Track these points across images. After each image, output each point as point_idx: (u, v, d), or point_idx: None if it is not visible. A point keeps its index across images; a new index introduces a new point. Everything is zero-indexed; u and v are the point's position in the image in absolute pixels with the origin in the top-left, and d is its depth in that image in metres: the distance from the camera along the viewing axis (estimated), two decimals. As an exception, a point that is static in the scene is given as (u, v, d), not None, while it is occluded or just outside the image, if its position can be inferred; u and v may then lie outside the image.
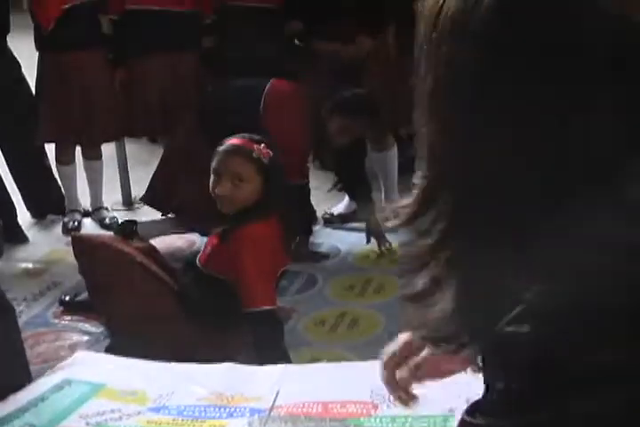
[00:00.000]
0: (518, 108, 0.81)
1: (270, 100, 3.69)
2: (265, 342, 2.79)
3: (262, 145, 2.86)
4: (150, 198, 4.22)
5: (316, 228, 4.23)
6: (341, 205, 4.42)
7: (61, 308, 3.56)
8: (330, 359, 3.04)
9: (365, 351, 2.97)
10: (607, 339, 0.78)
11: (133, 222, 3.89)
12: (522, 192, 0.85)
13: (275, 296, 2.90)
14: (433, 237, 0.89)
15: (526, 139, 0.82)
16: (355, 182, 4.02)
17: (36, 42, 4.26)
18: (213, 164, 2.90)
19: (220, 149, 2.90)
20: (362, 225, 3.99)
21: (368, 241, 3.89)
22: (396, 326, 1.00)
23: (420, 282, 0.93)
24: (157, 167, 4.16)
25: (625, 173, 0.83)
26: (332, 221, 4.35)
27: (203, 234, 3.45)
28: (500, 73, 0.81)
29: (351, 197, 4.30)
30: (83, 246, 3.08)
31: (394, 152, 4.38)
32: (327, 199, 4.39)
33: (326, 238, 4.17)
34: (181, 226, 3.90)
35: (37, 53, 4.28)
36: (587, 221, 0.82)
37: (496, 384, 0.83)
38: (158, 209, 4.20)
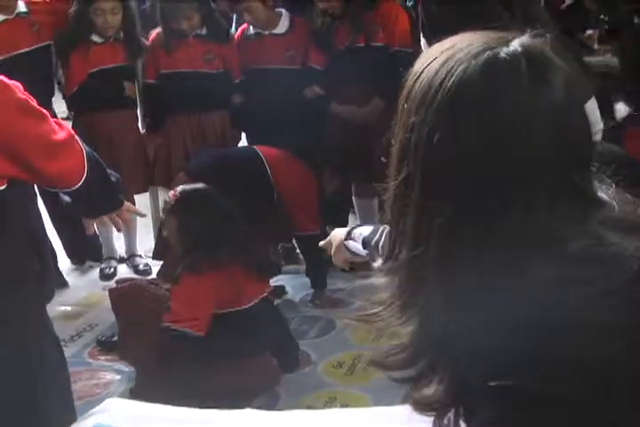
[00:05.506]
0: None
1: (271, 162, 3.70)
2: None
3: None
4: (160, 255, 3.95)
5: (337, 274, 4.08)
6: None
7: (97, 348, 3.54)
8: (346, 400, 3.07)
9: (380, 392, 2.97)
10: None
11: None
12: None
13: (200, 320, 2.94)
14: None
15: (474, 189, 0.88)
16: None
17: (66, 102, 4.34)
18: None
19: None
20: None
21: None
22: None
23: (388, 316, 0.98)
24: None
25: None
26: (352, 268, 4.24)
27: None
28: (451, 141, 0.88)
29: None
30: (118, 296, 3.14)
31: (375, 201, 4.26)
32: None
33: (345, 285, 4.03)
34: None
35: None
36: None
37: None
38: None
